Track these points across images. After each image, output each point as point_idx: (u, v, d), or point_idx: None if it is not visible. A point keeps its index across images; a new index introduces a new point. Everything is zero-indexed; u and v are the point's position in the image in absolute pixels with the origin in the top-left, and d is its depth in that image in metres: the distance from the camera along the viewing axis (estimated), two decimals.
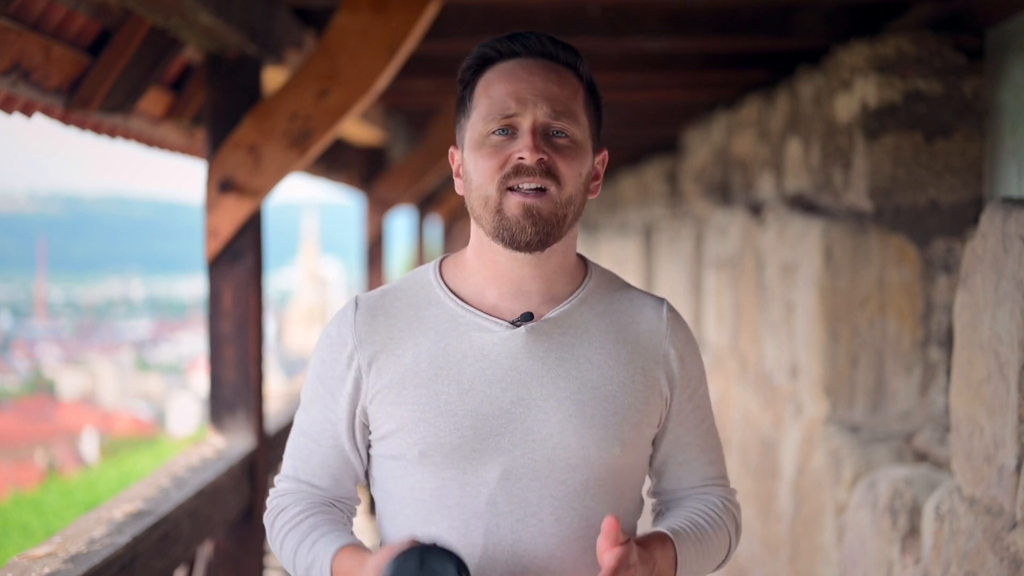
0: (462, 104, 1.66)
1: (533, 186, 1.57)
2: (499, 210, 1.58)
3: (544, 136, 1.59)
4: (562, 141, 1.59)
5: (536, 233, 1.58)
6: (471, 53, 1.65)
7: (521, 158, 1.56)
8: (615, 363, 1.65)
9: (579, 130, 1.61)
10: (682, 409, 1.71)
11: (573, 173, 1.59)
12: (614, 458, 1.62)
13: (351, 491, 1.73)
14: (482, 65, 1.64)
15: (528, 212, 1.57)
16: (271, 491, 1.74)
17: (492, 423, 1.60)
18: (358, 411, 1.66)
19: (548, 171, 1.57)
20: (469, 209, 1.64)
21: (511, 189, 1.57)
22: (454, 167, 1.69)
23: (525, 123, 1.58)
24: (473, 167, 1.61)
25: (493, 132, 1.59)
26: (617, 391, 1.64)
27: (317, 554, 1.61)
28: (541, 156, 1.56)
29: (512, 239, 1.58)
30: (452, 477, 1.60)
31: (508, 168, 1.57)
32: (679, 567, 1.61)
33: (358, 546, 1.61)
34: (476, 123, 1.61)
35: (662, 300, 1.73)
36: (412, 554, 1.45)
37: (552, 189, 1.57)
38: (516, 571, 1.59)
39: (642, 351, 1.67)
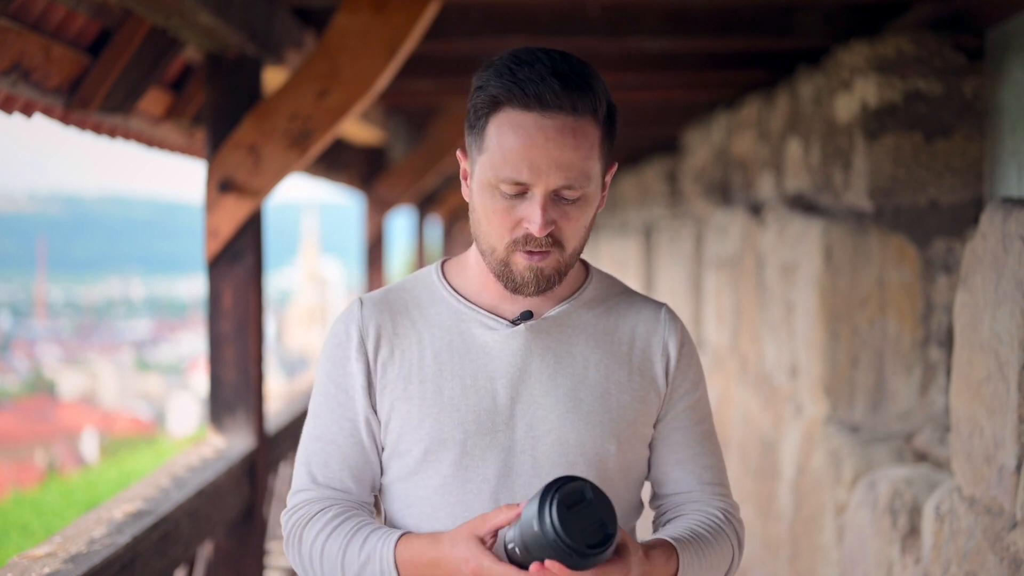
0: (472, 127, 1.60)
1: (539, 250, 1.57)
2: (505, 264, 1.59)
3: (555, 199, 1.56)
4: (571, 202, 1.57)
5: (538, 290, 1.60)
6: (485, 78, 1.56)
7: (530, 229, 1.55)
8: (612, 362, 1.66)
9: (590, 185, 1.57)
10: (678, 409, 1.71)
11: (579, 229, 1.59)
12: (611, 455, 1.63)
13: (371, 495, 1.69)
14: (495, 103, 1.55)
15: (533, 272, 1.58)
16: (285, 512, 1.68)
17: (494, 419, 1.61)
18: (372, 402, 1.65)
19: (553, 240, 1.57)
20: (474, 237, 1.63)
21: (518, 251, 1.58)
22: (462, 167, 1.67)
23: (537, 190, 1.54)
24: (481, 210, 1.59)
25: (503, 191, 1.56)
26: (614, 389, 1.65)
27: (374, 547, 1.56)
28: (550, 229, 1.56)
29: (516, 290, 1.60)
30: (454, 474, 1.61)
31: (518, 234, 1.56)
32: (680, 574, 1.59)
33: (417, 534, 1.57)
34: (486, 165, 1.57)
35: (661, 304, 1.74)
36: (546, 499, 1.40)
37: (556, 252, 1.58)
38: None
39: (639, 351, 1.68)
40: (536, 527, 1.40)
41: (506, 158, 1.53)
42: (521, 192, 1.55)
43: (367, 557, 1.56)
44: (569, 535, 1.39)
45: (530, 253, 1.57)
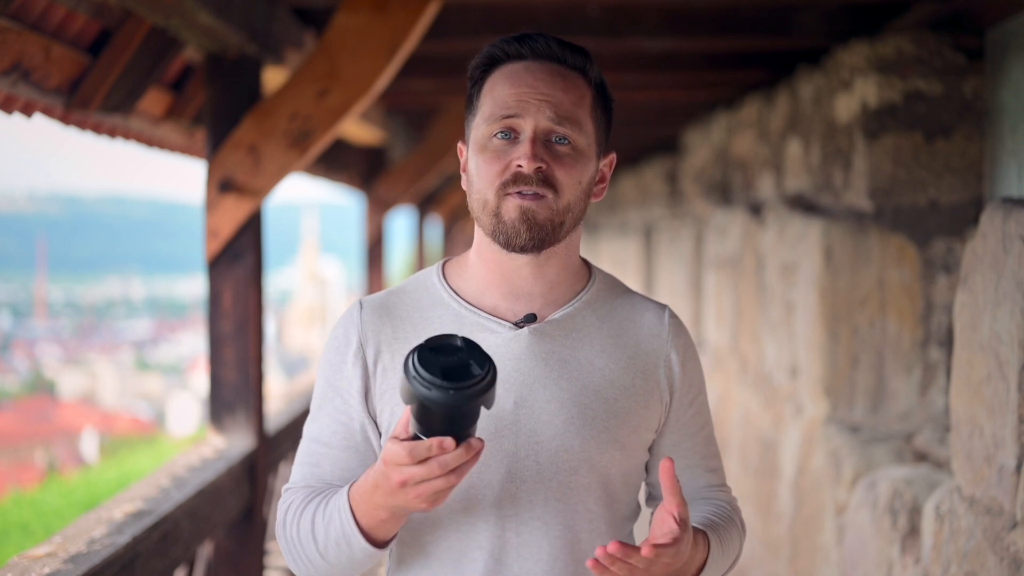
0: (470, 102, 1.65)
1: (531, 191, 1.56)
2: (497, 213, 1.58)
3: (545, 143, 1.57)
4: (563, 148, 1.58)
5: (531, 238, 1.57)
6: (481, 52, 1.64)
7: (520, 166, 1.56)
8: (616, 366, 1.65)
9: (582, 137, 1.59)
10: (681, 415, 1.70)
11: (572, 181, 1.58)
12: (614, 461, 1.62)
13: None
14: (490, 65, 1.63)
15: (524, 216, 1.56)
16: (279, 504, 1.67)
17: (496, 424, 1.59)
18: (369, 409, 1.64)
19: (546, 180, 1.56)
20: (470, 208, 1.64)
21: (509, 193, 1.57)
22: (461, 161, 1.68)
23: (526, 128, 1.57)
24: (475, 169, 1.61)
25: (495, 135, 1.58)
26: (618, 394, 1.63)
27: (334, 503, 1.55)
28: (539, 165, 1.55)
29: (508, 242, 1.58)
30: None
31: (507, 175, 1.57)
32: (709, 561, 1.60)
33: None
34: (480, 124, 1.61)
35: (664, 306, 1.73)
36: (425, 353, 1.40)
37: (549, 196, 1.57)
38: (521, 575, 1.59)
39: (643, 355, 1.67)
40: (402, 376, 1.39)
41: (496, 102, 1.59)
42: (512, 136, 1.58)
43: (330, 516, 1.56)
44: (426, 367, 1.37)
45: (521, 195, 1.56)
